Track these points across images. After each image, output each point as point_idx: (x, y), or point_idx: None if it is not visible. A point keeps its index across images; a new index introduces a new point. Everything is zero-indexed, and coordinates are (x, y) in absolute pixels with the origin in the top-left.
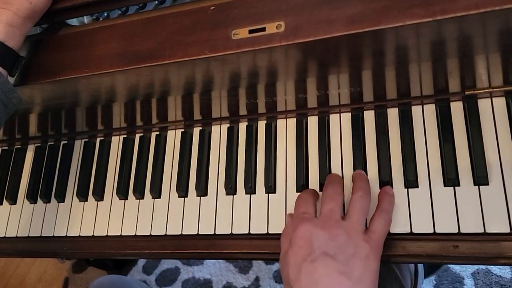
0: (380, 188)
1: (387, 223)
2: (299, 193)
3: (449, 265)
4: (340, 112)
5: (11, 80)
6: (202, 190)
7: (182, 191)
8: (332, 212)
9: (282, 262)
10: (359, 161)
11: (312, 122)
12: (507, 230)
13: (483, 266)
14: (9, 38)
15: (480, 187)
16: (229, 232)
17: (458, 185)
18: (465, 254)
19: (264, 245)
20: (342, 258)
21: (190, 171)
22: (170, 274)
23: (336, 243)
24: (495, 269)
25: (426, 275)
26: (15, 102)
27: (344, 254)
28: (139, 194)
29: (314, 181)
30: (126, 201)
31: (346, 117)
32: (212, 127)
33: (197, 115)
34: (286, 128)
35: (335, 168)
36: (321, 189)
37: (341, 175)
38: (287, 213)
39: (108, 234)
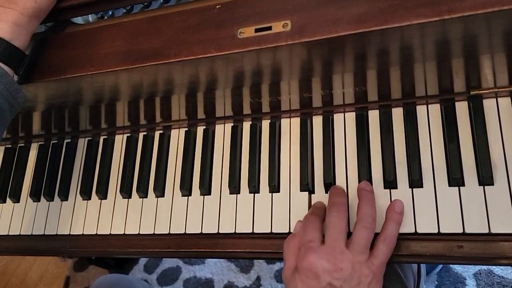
0: (385, 187)
1: (390, 248)
2: (302, 193)
3: (451, 266)
4: (344, 112)
5: (16, 78)
6: (205, 189)
7: (186, 190)
8: (336, 242)
9: (288, 281)
10: (364, 161)
11: (317, 121)
12: None
13: (485, 267)
14: (15, 38)
15: (485, 187)
16: (233, 231)
17: (463, 185)
18: (469, 254)
19: (268, 244)
20: None
21: (194, 170)
22: (172, 273)
23: (341, 276)
24: (497, 269)
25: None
26: (20, 101)
27: (349, 285)
28: (143, 193)
29: (318, 181)
30: (129, 199)
31: (351, 116)
32: (216, 126)
33: (201, 114)
34: (290, 128)
35: (339, 168)
36: (325, 189)
37: (345, 175)
38: (291, 213)
39: (112, 233)
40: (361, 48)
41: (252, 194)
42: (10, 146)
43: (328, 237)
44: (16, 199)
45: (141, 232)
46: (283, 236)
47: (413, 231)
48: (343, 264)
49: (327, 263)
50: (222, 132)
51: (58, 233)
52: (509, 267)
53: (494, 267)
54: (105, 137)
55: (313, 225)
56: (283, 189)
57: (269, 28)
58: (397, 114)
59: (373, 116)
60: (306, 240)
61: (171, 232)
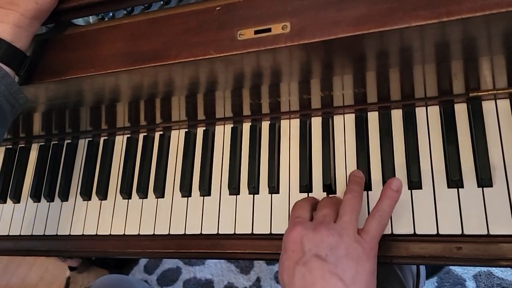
0: None
1: (381, 223)
2: (302, 194)
3: (450, 267)
4: (344, 113)
5: (17, 79)
6: (205, 190)
7: (186, 191)
8: (325, 217)
9: (279, 266)
10: (363, 162)
11: (316, 123)
12: (511, 232)
13: (484, 268)
14: (16, 39)
15: (484, 189)
16: (232, 232)
17: (462, 186)
18: (468, 255)
19: (267, 245)
20: (333, 260)
21: (194, 171)
22: (172, 274)
23: (326, 244)
24: (497, 271)
25: (428, 277)
26: (21, 102)
27: (335, 255)
28: (143, 194)
29: (317, 182)
30: (129, 200)
31: (350, 118)
32: (216, 127)
33: (201, 115)
34: (290, 129)
35: (339, 169)
36: (324, 190)
37: (344, 176)
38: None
39: (112, 233)
40: (360, 50)
41: (252, 195)
42: (10, 146)
43: (317, 214)
44: (17, 199)
45: (141, 233)
46: (283, 237)
47: (412, 232)
48: (329, 232)
49: (312, 232)
50: (222, 133)
51: (58, 234)
52: (509, 268)
53: (493, 268)
54: (106, 137)
55: (303, 205)
56: (282, 190)
57: (269, 30)
58: (397, 115)
59: (373, 118)
60: (292, 216)
61: (171, 233)
